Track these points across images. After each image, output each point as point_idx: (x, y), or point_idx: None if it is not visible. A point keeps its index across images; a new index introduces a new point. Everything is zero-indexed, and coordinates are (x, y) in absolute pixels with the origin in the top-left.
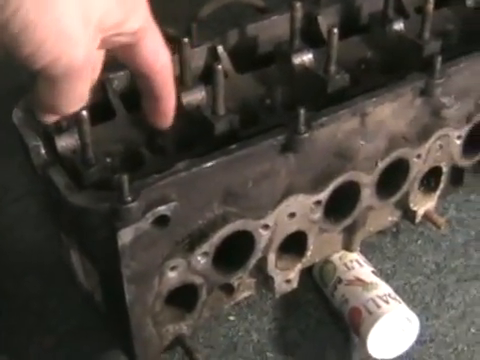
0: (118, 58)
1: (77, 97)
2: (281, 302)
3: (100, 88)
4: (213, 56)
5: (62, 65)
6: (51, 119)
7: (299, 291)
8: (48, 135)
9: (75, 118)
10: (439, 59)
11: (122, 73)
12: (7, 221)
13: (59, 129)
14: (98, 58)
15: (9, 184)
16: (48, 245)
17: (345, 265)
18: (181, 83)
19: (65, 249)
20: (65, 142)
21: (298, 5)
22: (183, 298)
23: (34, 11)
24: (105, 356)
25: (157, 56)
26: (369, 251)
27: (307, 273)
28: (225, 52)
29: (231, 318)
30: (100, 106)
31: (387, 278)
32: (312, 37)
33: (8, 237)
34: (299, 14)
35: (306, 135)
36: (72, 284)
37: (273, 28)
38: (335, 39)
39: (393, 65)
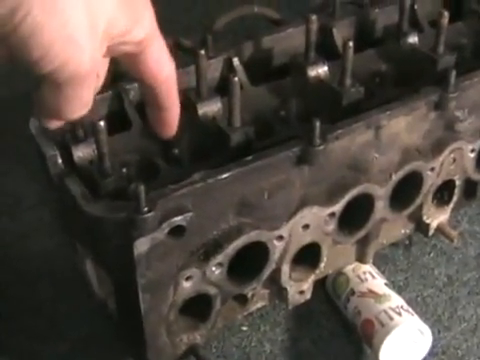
0: (124, 67)
1: (81, 103)
2: (294, 313)
3: (116, 98)
4: (229, 68)
5: (69, 70)
6: (54, 124)
7: (312, 302)
8: (65, 145)
9: (92, 128)
10: (453, 73)
11: (138, 84)
12: (21, 228)
13: (76, 139)
14: (103, 65)
15: (23, 192)
16: (61, 252)
17: (358, 277)
18: (197, 94)
19: (79, 258)
20: (82, 152)
21: (313, 17)
22: (197, 308)
23: (43, 15)
24: None
25: (162, 66)
26: (382, 263)
27: (320, 285)
28: (240, 64)
29: (244, 328)
30: (116, 116)
31: (399, 290)
32: (327, 50)
33: (22, 244)
34: (314, 26)
35: (321, 147)
36: (85, 291)
37: (288, 40)
38: (350, 52)
39: (407, 78)
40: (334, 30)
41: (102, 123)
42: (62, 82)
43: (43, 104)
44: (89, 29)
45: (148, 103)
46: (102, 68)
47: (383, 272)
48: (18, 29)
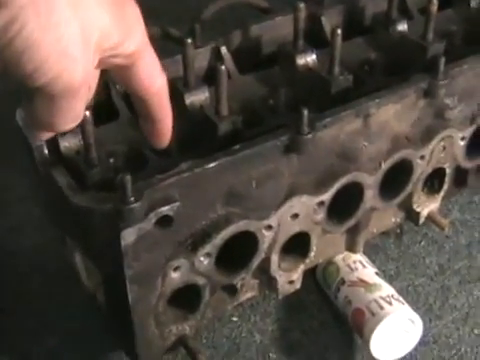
0: (116, 80)
1: (73, 115)
2: (284, 303)
3: (104, 89)
4: (216, 57)
5: (62, 83)
6: (45, 136)
7: (302, 292)
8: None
9: None
10: (443, 60)
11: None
12: (10, 222)
13: None
14: (94, 77)
15: (12, 185)
16: (51, 246)
17: (348, 266)
18: (184, 84)
19: (68, 250)
20: (68, 142)
21: (302, 6)
22: (186, 299)
23: (38, 30)
24: (108, 357)
25: (153, 79)
26: (372, 252)
27: (310, 274)
28: (228, 53)
29: (234, 319)
30: (103, 107)
31: (390, 279)
32: (316, 38)
33: (12, 238)
34: (303, 15)
35: (309, 136)
36: (75, 285)
37: (277, 29)
38: (339, 40)
39: (397, 66)
40: (323, 18)
41: (88, 113)
42: (55, 94)
43: (36, 116)
44: (82, 42)
45: (140, 115)
46: (93, 80)
47: (374, 261)
48: (12, 43)
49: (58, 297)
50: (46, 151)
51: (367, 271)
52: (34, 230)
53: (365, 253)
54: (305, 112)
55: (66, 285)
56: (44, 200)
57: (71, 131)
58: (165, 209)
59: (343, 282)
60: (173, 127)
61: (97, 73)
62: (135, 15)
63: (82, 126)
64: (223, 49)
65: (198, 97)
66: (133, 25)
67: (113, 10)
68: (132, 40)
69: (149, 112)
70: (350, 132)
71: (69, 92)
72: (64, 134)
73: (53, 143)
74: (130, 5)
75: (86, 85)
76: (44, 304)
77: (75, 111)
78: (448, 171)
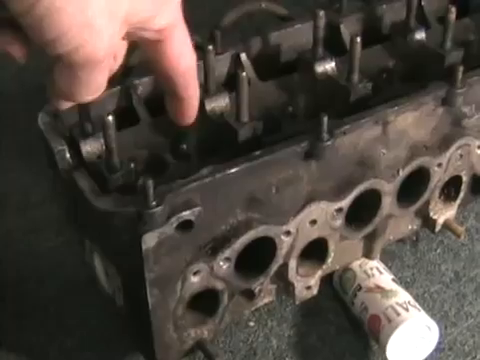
0: (143, 54)
1: (94, 86)
2: (301, 309)
3: (125, 94)
4: (236, 63)
5: (83, 54)
6: (64, 106)
7: (319, 298)
8: (73, 140)
9: (100, 123)
10: (461, 68)
11: (147, 79)
12: (28, 225)
13: (84, 134)
14: (121, 48)
15: (31, 188)
16: (68, 249)
17: (365, 272)
18: (205, 90)
19: (87, 253)
20: (90, 147)
21: (321, 13)
22: (205, 303)
23: (65, 4)
24: (125, 359)
25: (182, 57)
26: (389, 259)
27: (327, 281)
28: (248, 60)
29: (251, 324)
30: (125, 112)
31: (406, 286)
32: (334, 46)
33: (30, 240)
34: (322, 22)
35: (329, 143)
36: (92, 287)
37: (296, 36)
38: (358, 47)
39: (415, 74)
40: (341, 26)
41: (110, 118)
42: (76, 65)
43: (55, 85)
44: (109, 14)
45: (166, 91)
46: (120, 51)
47: (390, 268)
48: (33, 9)
49: (75, 299)
50: (68, 155)
51: (384, 277)
52: (52, 233)
53: (381, 260)
54: (324, 119)
55: (83, 288)
56: (65, 203)
57: (93, 135)
58: (186, 214)
59: (360, 288)
60: (193, 133)
61: (124, 44)
62: None
63: (104, 130)
64: (243, 56)
65: (218, 103)
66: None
67: None
68: (164, 15)
69: (175, 90)
70: (369, 139)
71: (91, 63)
72: (86, 139)
73: (75, 147)
74: None
75: (110, 57)
76: (62, 306)
77: (96, 82)
78: (465, 179)
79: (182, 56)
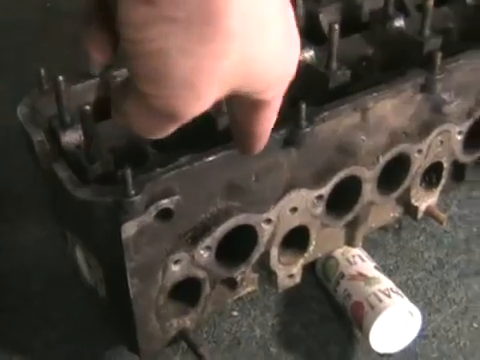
0: (228, 105)
1: (162, 133)
2: (284, 298)
3: (104, 85)
4: None
5: (169, 107)
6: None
7: (302, 287)
8: (53, 131)
9: (79, 114)
10: (439, 55)
11: (126, 70)
12: (11, 219)
13: (64, 125)
14: None
15: (12, 182)
16: (51, 243)
17: (347, 260)
18: None
19: (70, 246)
20: (69, 138)
21: (300, 2)
22: (187, 292)
23: (179, 52)
24: (109, 351)
25: (266, 123)
26: (372, 247)
27: (310, 269)
28: None
29: (234, 313)
30: (104, 102)
31: (390, 274)
32: (314, 35)
33: (11, 235)
34: (301, 11)
35: (308, 130)
36: (75, 280)
37: None
38: (336, 35)
39: (394, 62)
40: (320, 15)
41: (88, 108)
42: (156, 111)
43: (125, 110)
44: (221, 83)
45: (235, 131)
46: None
47: (373, 256)
48: (149, 44)
49: (60, 292)
50: (47, 146)
51: (366, 265)
52: (34, 227)
53: (364, 248)
54: (303, 106)
55: (66, 281)
56: (46, 195)
57: (72, 126)
58: (165, 202)
59: (342, 276)
60: None
61: None
62: (296, 57)
63: (82, 121)
64: None
65: None
66: (289, 71)
67: (282, 48)
68: (278, 88)
69: (246, 140)
70: (348, 126)
71: (171, 118)
72: (65, 129)
73: (54, 138)
74: (296, 41)
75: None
76: (45, 300)
77: (164, 130)
78: (446, 165)
79: (265, 124)
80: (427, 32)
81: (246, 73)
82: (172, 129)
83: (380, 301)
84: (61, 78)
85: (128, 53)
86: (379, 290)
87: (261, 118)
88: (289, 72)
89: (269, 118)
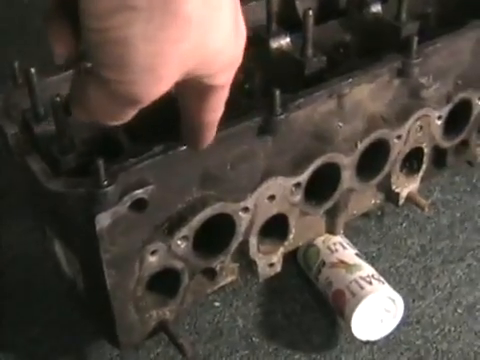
0: (177, 95)
1: (123, 117)
2: (266, 287)
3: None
4: None
5: (132, 91)
6: (84, 119)
7: (284, 276)
8: (26, 124)
9: (51, 106)
10: (415, 39)
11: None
12: None
13: (37, 117)
14: None
15: None
16: (31, 237)
17: (329, 248)
18: None
19: (48, 240)
20: (43, 130)
21: None
22: (165, 283)
23: (139, 37)
24: (90, 345)
25: (214, 112)
26: (354, 235)
27: (292, 258)
28: None
29: (216, 304)
30: None
31: (372, 261)
32: (290, 22)
33: None
34: None
35: (282, 117)
36: (55, 275)
37: (251, 14)
38: (311, 21)
39: (371, 48)
40: (297, 2)
41: (59, 99)
42: (119, 96)
43: (86, 100)
44: (176, 65)
45: (184, 123)
46: None
47: (355, 244)
48: (109, 32)
49: (39, 288)
50: (21, 139)
51: (347, 252)
52: (14, 221)
53: (347, 236)
54: (277, 93)
55: (46, 276)
56: (22, 189)
57: (45, 119)
58: (139, 192)
59: (324, 264)
60: (148, 112)
61: None
62: (243, 46)
63: (54, 113)
64: None
65: None
66: (237, 58)
67: (232, 36)
68: (226, 74)
69: (193, 131)
70: (324, 113)
71: (135, 101)
72: (39, 122)
73: (28, 130)
74: (242, 32)
75: (154, 99)
76: (25, 295)
77: (127, 115)
78: (426, 151)
79: (216, 111)
80: (404, 17)
81: (201, 56)
82: (133, 113)
83: (361, 288)
84: (33, 70)
85: (91, 42)
86: (360, 277)
87: (211, 105)
88: (237, 57)
89: (218, 106)
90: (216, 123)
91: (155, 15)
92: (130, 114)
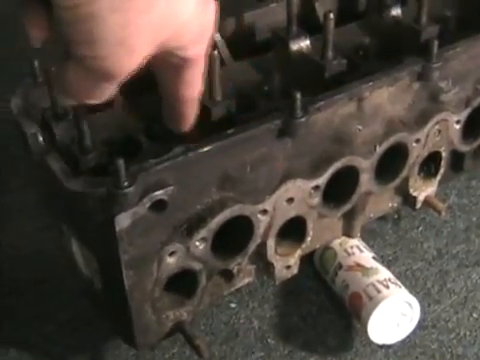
0: (156, 73)
1: (103, 94)
2: (282, 289)
3: None
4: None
5: (107, 65)
6: (68, 102)
7: (300, 278)
8: (46, 123)
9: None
10: (436, 43)
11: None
12: (5, 211)
13: (57, 117)
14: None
15: (6, 175)
16: (45, 235)
17: (345, 251)
18: None
19: (65, 238)
20: (63, 130)
21: None
22: (183, 284)
23: (106, 9)
24: (106, 344)
25: (192, 87)
26: (370, 238)
27: (308, 260)
28: (222, 40)
29: (232, 305)
30: None
31: (388, 264)
32: (310, 25)
33: (6, 227)
34: (296, 0)
35: (303, 119)
36: (70, 273)
37: (271, 16)
38: (331, 23)
39: (391, 51)
40: (316, 4)
41: None
42: (95, 72)
43: (66, 82)
44: (148, 38)
45: (164, 102)
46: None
47: (372, 247)
48: (79, 8)
49: (53, 285)
50: (40, 138)
51: (364, 255)
52: (28, 219)
53: (363, 239)
54: (298, 95)
55: (61, 273)
56: (39, 188)
57: (66, 118)
58: (159, 193)
59: (340, 267)
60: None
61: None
62: (212, 18)
63: (75, 113)
64: (217, 36)
65: None
66: (207, 29)
67: (200, 7)
68: (198, 46)
69: (174, 107)
70: (344, 115)
71: (110, 76)
72: (58, 121)
73: (48, 130)
74: (212, 4)
75: (130, 73)
76: (40, 292)
77: (106, 92)
78: (444, 155)
79: (193, 86)
80: (424, 20)
81: (170, 26)
82: (111, 89)
83: (378, 292)
84: (54, 69)
85: (63, 21)
86: (377, 281)
87: (187, 79)
88: (207, 28)
89: (194, 81)
90: (195, 100)
91: None
92: (108, 90)
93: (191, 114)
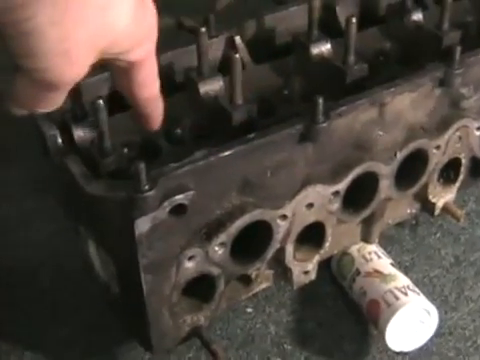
0: (112, 76)
1: (51, 103)
2: (299, 294)
3: None
4: (231, 47)
5: (51, 76)
6: (21, 112)
7: (317, 283)
8: (65, 125)
9: (92, 107)
10: (458, 49)
11: None
12: (21, 214)
13: (76, 119)
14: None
15: (22, 178)
16: (62, 238)
17: (363, 257)
18: (198, 73)
19: (82, 241)
20: (82, 132)
21: None
22: (200, 289)
23: (46, 24)
24: (121, 348)
25: (147, 87)
26: (388, 244)
27: (326, 266)
28: (243, 43)
29: (249, 310)
30: (117, 96)
31: (406, 271)
32: (330, 29)
33: (22, 230)
34: (317, 4)
35: (324, 125)
36: (86, 276)
37: (291, 19)
38: (353, 28)
39: (412, 56)
40: (337, 8)
41: (101, 101)
42: (41, 82)
43: (15, 93)
44: (88, 47)
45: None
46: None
47: (389, 253)
48: (20, 24)
49: (69, 289)
50: (59, 140)
51: (382, 262)
52: (45, 222)
53: (381, 245)
54: (320, 101)
55: (77, 277)
56: (58, 190)
57: (85, 120)
58: (179, 197)
59: (358, 273)
60: (187, 117)
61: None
62: (152, 22)
63: (95, 114)
64: (237, 39)
65: (212, 86)
66: (148, 33)
67: (136, 13)
68: (141, 49)
69: (137, 109)
70: (365, 121)
71: (55, 86)
72: (78, 123)
73: (67, 132)
74: (151, 9)
75: (75, 81)
76: (55, 295)
77: (54, 101)
78: (464, 161)
79: (147, 86)
80: (446, 26)
81: (109, 35)
82: (60, 98)
83: (396, 299)
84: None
85: (5, 35)
86: (395, 287)
87: (139, 80)
88: (148, 33)
89: (147, 81)
90: (156, 98)
91: (59, 2)
92: (56, 99)
93: (155, 112)
